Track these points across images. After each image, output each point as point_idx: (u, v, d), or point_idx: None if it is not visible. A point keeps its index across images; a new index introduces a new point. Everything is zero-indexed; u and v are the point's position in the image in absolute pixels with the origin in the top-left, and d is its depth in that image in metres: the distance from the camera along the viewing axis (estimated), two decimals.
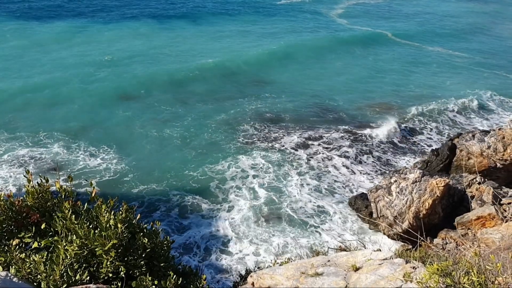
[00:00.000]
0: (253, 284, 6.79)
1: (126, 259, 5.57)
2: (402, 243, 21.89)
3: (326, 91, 43.84)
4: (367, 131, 36.03)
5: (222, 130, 35.13)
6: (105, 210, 5.69)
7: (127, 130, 34.50)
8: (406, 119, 38.73)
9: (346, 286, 5.93)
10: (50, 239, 5.53)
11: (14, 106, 36.99)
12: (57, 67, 45.95)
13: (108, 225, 5.47)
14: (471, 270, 4.61)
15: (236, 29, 64.90)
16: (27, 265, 5.20)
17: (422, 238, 11.29)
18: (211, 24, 66.47)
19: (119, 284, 5.44)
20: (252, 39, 60.64)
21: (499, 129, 28.70)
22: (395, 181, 24.46)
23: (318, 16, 76.59)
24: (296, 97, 41.99)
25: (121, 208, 5.74)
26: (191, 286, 6.02)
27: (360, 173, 30.60)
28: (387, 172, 29.04)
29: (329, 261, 6.79)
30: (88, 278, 5.26)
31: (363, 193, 26.95)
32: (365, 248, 9.72)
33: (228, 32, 63.29)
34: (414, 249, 10.74)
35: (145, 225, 6.04)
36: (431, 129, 37.66)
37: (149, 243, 5.78)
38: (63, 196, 6.06)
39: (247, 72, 47.90)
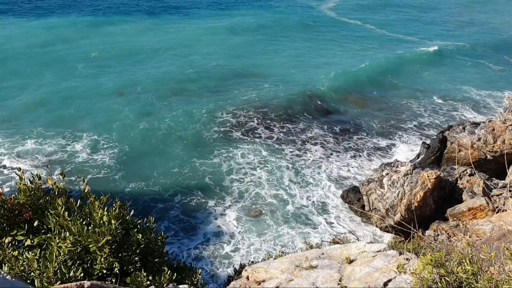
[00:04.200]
0: (248, 277, 6.80)
1: (120, 255, 5.54)
2: (395, 235, 22.07)
3: None
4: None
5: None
6: (98, 206, 5.65)
7: (127, 127, 34.37)
8: None
9: (341, 278, 5.95)
10: (43, 236, 5.48)
11: (11, 104, 36.83)
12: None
13: (101, 222, 5.44)
14: (464, 260, 4.64)
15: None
16: (20, 263, 5.16)
17: (414, 230, 11.37)
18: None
19: (114, 280, 5.42)
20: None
21: (489, 121, 28.92)
22: (387, 174, 24.60)
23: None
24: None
25: (114, 205, 5.71)
26: (186, 281, 6.01)
27: (358, 167, 30.74)
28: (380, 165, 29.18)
29: (323, 254, 6.82)
30: (82, 274, 5.23)
31: (355, 186, 27.07)
32: (358, 240, 9.77)
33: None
34: (407, 241, 10.82)
35: (139, 221, 6.00)
36: None
37: (143, 239, 5.76)
38: (55, 193, 6.01)
39: None
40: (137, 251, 5.66)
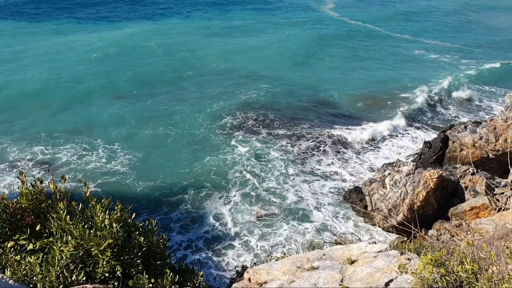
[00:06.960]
0: (249, 279, 6.82)
1: (122, 258, 5.55)
2: (397, 235, 22.05)
3: None
4: None
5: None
6: (99, 210, 5.67)
7: (126, 128, 34.46)
8: None
9: (342, 279, 5.96)
10: (45, 240, 5.50)
11: (10, 106, 36.99)
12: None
13: (103, 225, 5.45)
14: (464, 260, 4.65)
15: None
16: (23, 267, 5.18)
17: (416, 230, 11.37)
18: None
19: (116, 284, 5.43)
20: None
21: (491, 120, 28.86)
22: (389, 174, 24.58)
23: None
24: None
25: (115, 208, 5.73)
26: (188, 283, 6.03)
27: (361, 167, 30.72)
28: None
29: (324, 254, 6.83)
30: (84, 278, 5.24)
31: (357, 186, 27.05)
32: (360, 241, 9.78)
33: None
34: (409, 241, 10.82)
35: (141, 224, 6.02)
36: None
37: (145, 242, 5.77)
38: (57, 197, 6.03)
39: None
40: (139, 254, 5.68)
